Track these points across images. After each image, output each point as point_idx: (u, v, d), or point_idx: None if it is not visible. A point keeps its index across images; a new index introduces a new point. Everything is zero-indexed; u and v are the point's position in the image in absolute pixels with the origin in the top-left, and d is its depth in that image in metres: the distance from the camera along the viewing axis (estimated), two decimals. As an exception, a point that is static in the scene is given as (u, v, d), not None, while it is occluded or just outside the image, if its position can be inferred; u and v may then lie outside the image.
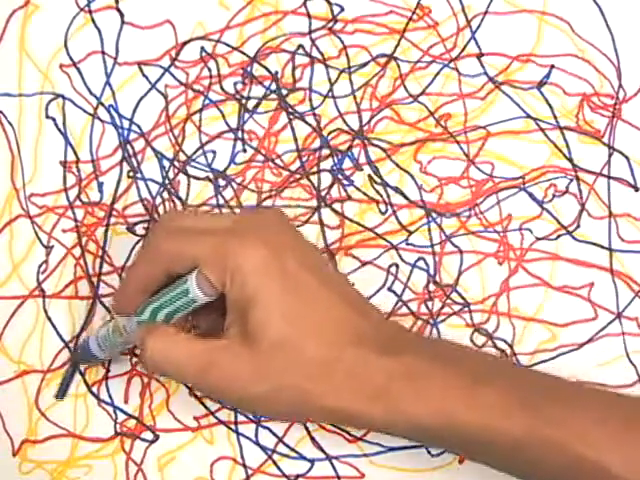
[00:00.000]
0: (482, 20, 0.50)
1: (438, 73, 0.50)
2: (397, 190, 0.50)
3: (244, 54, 0.50)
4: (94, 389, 0.50)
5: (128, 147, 0.50)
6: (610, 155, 0.50)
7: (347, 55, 0.50)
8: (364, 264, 0.50)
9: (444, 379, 0.42)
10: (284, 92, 0.50)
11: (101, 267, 0.50)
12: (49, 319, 0.50)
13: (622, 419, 0.42)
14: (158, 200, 0.50)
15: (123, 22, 0.50)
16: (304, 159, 0.50)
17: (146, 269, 0.45)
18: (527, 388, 0.43)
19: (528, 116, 0.50)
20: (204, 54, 0.50)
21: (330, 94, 0.50)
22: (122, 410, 0.50)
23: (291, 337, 0.42)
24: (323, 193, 0.50)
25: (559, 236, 0.50)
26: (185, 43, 0.50)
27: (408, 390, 0.42)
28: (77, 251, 0.50)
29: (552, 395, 0.43)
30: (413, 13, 0.50)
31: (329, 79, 0.50)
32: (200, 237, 0.43)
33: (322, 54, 0.50)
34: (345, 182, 0.50)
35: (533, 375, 0.46)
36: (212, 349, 0.43)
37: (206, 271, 0.42)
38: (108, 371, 0.50)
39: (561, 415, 0.42)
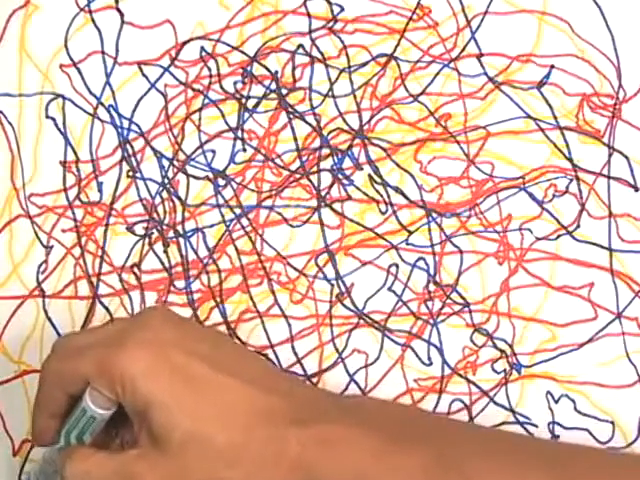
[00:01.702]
0: (482, 20, 0.50)
1: (438, 73, 0.50)
2: (397, 190, 0.50)
3: (244, 54, 0.50)
4: (94, 389, 0.50)
5: (127, 147, 0.50)
6: (610, 155, 0.50)
7: (347, 55, 0.50)
8: (364, 264, 0.50)
9: (359, 442, 0.41)
10: (284, 91, 0.50)
11: (101, 267, 0.50)
12: (49, 319, 0.50)
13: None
14: (157, 200, 0.50)
15: (123, 22, 0.50)
16: (304, 159, 0.50)
17: (46, 395, 0.44)
18: (447, 445, 0.42)
19: (528, 116, 0.50)
20: (204, 54, 0.50)
21: (330, 94, 0.50)
22: (122, 410, 0.50)
23: (196, 431, 0.41)
24: (323, 193, 0.50)
25: (559, 236, 0.50)
26: (185, 43, 0.50)
27: (324, 456, 0.41)
28: (77, 251, 0.50)
29: (472, 450, 0.43)
30: (413, 13, 0.50)
31: (329, 79, 0.50)
32: (84, 353, 0.42)
33: (322, 54, 0.50)
34: (345, 182, 0.50)
35: (455, 430, 0.45)
36: (129, 461, 0.42)
37: (97, 386, 0.42)
38: (108, 371, 0.50)
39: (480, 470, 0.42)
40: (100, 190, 0.50)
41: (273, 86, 0.50)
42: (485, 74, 0.50)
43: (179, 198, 0.50)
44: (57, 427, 0.44)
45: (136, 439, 0.42)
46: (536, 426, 0.50)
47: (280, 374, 0.46)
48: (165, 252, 0.50)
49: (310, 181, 0.50)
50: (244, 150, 0.50)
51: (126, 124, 0.50)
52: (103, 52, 0.50)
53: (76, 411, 0.43)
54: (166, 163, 0.50)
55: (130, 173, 0.50)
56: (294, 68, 0.50)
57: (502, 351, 0.50)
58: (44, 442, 0.44)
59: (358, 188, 0.50)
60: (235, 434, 0.41)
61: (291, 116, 0.50)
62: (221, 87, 0.50)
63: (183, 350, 0.42)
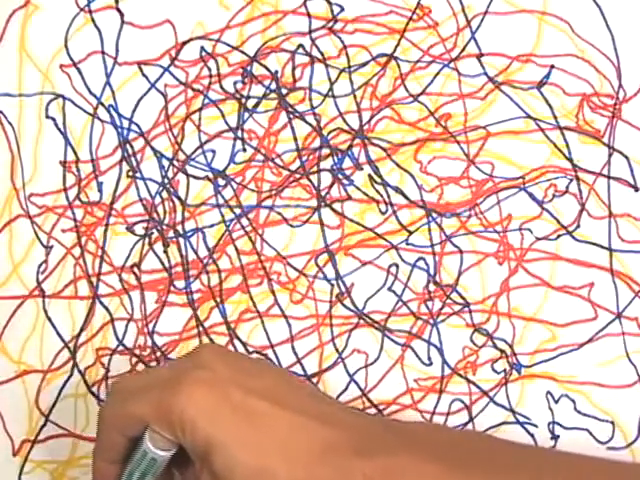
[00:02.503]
0: (482, 20, 0.50)
1: (438, 73, 0.50)
2: (397, 190, 0.50)
3: (244, 53, 0.50)
4: (94, 389, 0.50)
5: (127, 147, 0.50)
6: (610, 155, 0.50)
7: (347, 55, 0.50)
8: (364, 264, 0.50)
9: (424, 473, 0.41)
10: (284, 91, 0.50)
11: (100, 267, 0.50)
12: (49, 319, 0.50)
13: None
14: (157, 200, 0.50)
15: (123, 22, 0.50)
16: (304, 159, 0.50)
17: (105, 440, 0.43)
18: (512, 470, 0.42)
19: (528, 116, 0.50)
20: (204, 54, 0.50)
21: (330, 93, 0.50)
22: (122, 410, 0.50)
23: (258, 468, 0.40)
24: (323, 193, 0.50)
25: (559, 236, 0.50)
26: (185, 43, 0.50)
27: None
28: (77, 251, 0.50)
29: (538, 476, 0.42)
30: (413, 13, 0.50)
31: (329, 78, 0.50)
32: (142, 396, 0.42)
33: (322, 54, 0.50)
34: (345, 182, 0.50)
35: (517, 454, 0.44)
36: None
37: (156, 428, 0.41)
38: (108, 371, 0.50)
39: None
40: (100, 190, 0.50)
41: (273, 86, 0.50)
42: (485, 74, 0.50)
43: (179, 198, 0.50)
44: (118, 471, 0.43)
45: (198, 478, 0.42)
46: (536, 426, 0.50)
47: (334, 403, 0.45)
48: (165, 252, 0.50)
49: (310, 181, 0.50)
50: (244, 150, 0.50)
51: (126, 124, 0.50)
52: (103, 52, 0.50)
53: (137, 454, 0.42)
54: (166, 163, 0.50)
55: (130, 173, 0.50)
56: (294, 68, 0.50)
57: (502, 351, 0.50)
58: None
59: (358, 188, 0.50)
60: (298, 469, 0.41)
61: (291, 116, 0.50)
62: (221, 87, 0.50)
63: (240, 387, 0.41)
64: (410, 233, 0.50)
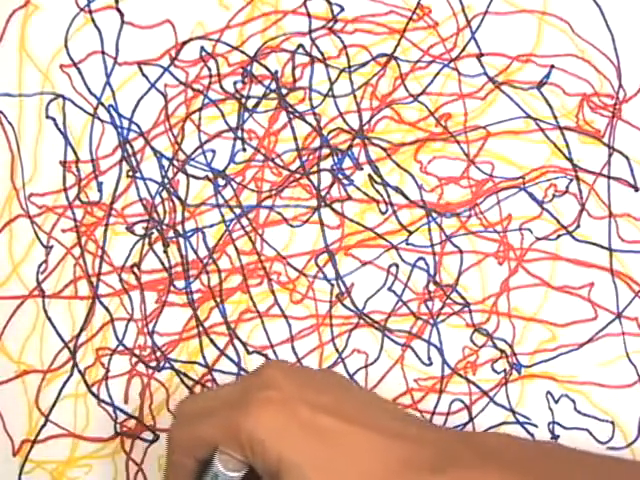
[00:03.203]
0: (482, 20, 0.50)
1: (438, 73, 0.50)
2: (397, 190, 0.50)
3: (244, 53, 0.50)
4: (94, 389, 0.50)
5: (127, 147, 0.50)
6: (610, 155, 0.50)
7: (347, 55, 0.50)
8: (364, 264, 0.50)
9: None
10: (284, 91, 0.50)
11: (100, 267, 0.50)
12: (49, 319, 0.50)
13: None
14: (157, 200, 0.50)
15: (123, 22, 0.50)
16: (304, 158, 0.50)
17: (176, 463, 0.43)
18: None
19: (528, 116, 0.50)
20: (204, 53, 0.50)
21: (330, 93, 0.50)
22: (122, 410, 0.50)
23: None
24: (323, 193, 0.50)
25: (559, 236, 0.50)
26: (185, 43, 0.50)
27: None
28: (76, 251, 0.50)
29: None
30: (413, 13, 0.50)
31: (329, 78, 0.50)
32: (209, 418, 0.42)
33: (322, 53, 0.50)
34: (345, 182, 0.50)
35: (598, 465, 0.44)
36: None
37: (226, 449, 0.41)
38: (108, 371, 0.50)
39: None
40: (100, 190, 0.50)
41: (273, 86, 0.50)
42: (485, 74, 0.50)
43: (179, 198, 0.50)
44: None
45: None
46: (536, 426, 0.50)
47: (405, 415, 0.44)
48: (165, 252, 0.50)
49: (310, 181, 0.50)
50: (244, 150, 0.50)
51: (126, 124, 0.50)
52: (103, 52, 0.50)
53: (207, 476, 0.42)
54: (166, 163, 0.50)
55: (130, 173, 0.50)
56: (294, 68, 0.50)
57: (502, 351, 0.50)
58: None
59: (358, 188, 0.50)
60: None
61: (291, 116, 0.50)
62: (221, 87, 0.50)
63: (308, 404, 0.41)
64: (410, 233, 0.50)
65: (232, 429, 0.40)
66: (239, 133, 0.50)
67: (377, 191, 0.50)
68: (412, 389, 0.50)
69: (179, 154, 0.50)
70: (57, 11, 0.50)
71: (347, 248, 0.50)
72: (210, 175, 0.50)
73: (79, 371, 0.50)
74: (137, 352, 0.50)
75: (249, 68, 0.50)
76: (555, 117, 0.50)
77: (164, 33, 0.50)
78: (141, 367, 0.50)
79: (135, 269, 0.50)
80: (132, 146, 0.50)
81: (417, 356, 0.50)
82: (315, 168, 0.50)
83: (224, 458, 0.41)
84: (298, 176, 0.50)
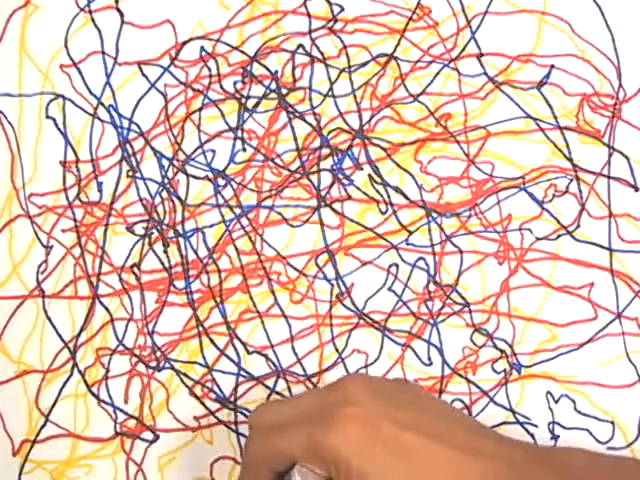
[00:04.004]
0: (482, 20, 0.50)
1: (438, 73, 0.50)
2: (397, 190, 0.50)
3: (244, 53, 0.50)
4: (94, 389, 0.50)
5: (127, 147, 0.50)
6: (610, 155, 0.50)
7: (347, 54, 0.50)
8: (364, 264, 0.50)
9: None
10: (284, 91, 0.50)
11: (100, 267, 0.50)
12: (49, 319, 0.50)
13: None
14: (157, 200, 0.50)
15: (123, 22, 0.50)
16: (304, 158, 0.50)
17: (252, 476, 0.43)
18: None
19: (528, 116, 0.50)
20: (204, 54, 0.50)
21: (330, 93, 0.50)
22: (122, 410, 0.50)
23: None
24: (323, 193, 0.50)
25: (559, 236, 0.50)
26: (185, 43, 0.50)
27: None
28: (76, 251, 0.50)
29: None
30: (413, 13, 0.50)
31: (329, 78, 0.50)
32: (290, 432, 0.42)
33: (322, 53, 0.50)
34: (345, 182, 0.50)
35: None
36: None
37: (308, 464, 0.41)
38: (108, 371, 0.50)
39: None
40: (100, 190, 0.50)
41: (273, 86, 0.50)
42: (485, 74, 0.50)
43: (179, 198, 0.50)
44: None
45: None
46: (536, 426, 0.50)
47: (483, 430, 0.44)
48: (165, 252, 0.50)
49: (310, 181, 0.50)
50: (244, 150, 0.50)
51: (126, 124, 0.50)
52: (103, 52, 0.50)
53: None
54: (166, 163, 0.50)
55: (130, 173, 0.50)
56: (294, 68, 0.50)
57: (502, 351, 0.50)
58: None
59: (358, 188, 0.50)
60: None
61: (291, 116, 0.50)
62: (221, 87, 0.50)
63: (391, 421, 0.41)
64: (410, 233, 0.50)
65: (315, 445, 0.40)
66: (239, 133, 0.50)
67: (377, 191, 0.50)
68: (412, 389, 0.50)
69: (179, 154, 0.50)
70: (57, 11, 0.50)
71: (347, 248, 0.50)
72: (210, 175, 0.50)
73: (79, 371, 0.50)
74: (137, 352, 0.50)
75: (249, 68, 0.50)
76: (555, 117, 0.50)
77: (164, 33, 0.50)
78: (141, 367, 0.50)
79: (135, 269, 0.50)
80: (132, 146, 0.50)
81: (417, 356, 0.50)
82: (315, 168, 0.50)
83: (304, 472, 0.42)
84: (298, 176, 0.50)
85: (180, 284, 0.50)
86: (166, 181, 0.50)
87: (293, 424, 0.42)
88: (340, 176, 0.50)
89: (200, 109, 0.50)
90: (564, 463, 0.43)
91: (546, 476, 0.41)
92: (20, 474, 0.50)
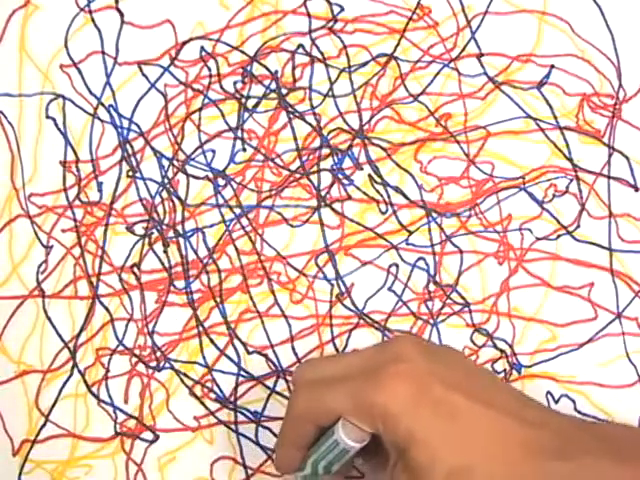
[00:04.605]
0: (482, 20, 0.50)
1: (438, 73, 0.50)
2: (397, 190, 0.50)
3: (244, 53, 0.50)
4: (94, 389, 0.50)
5: (127, 147, 0.50)
6: (610, 155, 0.50)
7: (347, 54, 0.50)
8: (364, 264, 0.50)
9: (617, 476, 0.40)
10: (284, 91, 0.50)
11: (100, 267, 0.50)
12: (49, 319, 0.50)
13: None
14: (157, 200, 0.50)
15: (123, 22, 0.50)
16: (304, 158, 0.50)
17: (295, 428, 0.43)
18: None
19: (528, 116, 0.50)
20: (204, 53, 0.50)
21: (330, 93, 0.50)
22: (122, 410, 0.50)
23: (459, 465, 0.40)
24: (323, 193, 0.50)
25: (559, 236, 0.50)
26: (185, 43, 0.50)
27: None
28: (76, 251, 0.50)
29: None
30: (413, 13, 0.50)
31: (329, 78, 0.50)
32: (337, 387, 0.42)
33: (322, 53, 0.50)
34: (345, 182, 0.50)
35: None
36: None
37: (353, 421, 0.41)
38: (108, 371, 0.50)
39: None
40: (100, 190, 0.50)
41: (273, 86, 0.50)
42: (485, 74, 0.50)
43: (179, 198, 0.50)
44: (303, 456, 0.44)
45: (391, 468, 0.41)
46: (536, 426, 0.50)
47: (529, 400, 0.44)
48: (165, 252, 0.50)
49: (310, 181, 0.50)
50: (244, 150, 0.50)
51: (126, 124, 0.50)
52: (103, 52, 0.50)
53: (326, 442, 0.42)
54: (166, 163, 0.50)
55: (130, 173, 0.50)
56: (294, 68, 0.50)
57: (502, 351, 0.50)
58: (289, 471, 0.44)
59: (358, 188, 0.50)
60: (497, 467, 0.40)
61: (291, 116, 0.50)
62: (221, 87, 0.50)
63: (440, 382, 0.41)
64: (410, 233, 0.50)
65: (364, 401, 0.41)
66: (239, 133, 0.50)
67: (377, 191, 0.50)
68: (412, 389, 0.50)
69: (179, 154, 0.50)
70: (57, 11, 0.50)
71: (347, 248, 0.50)
72: (210, 175, 0.50)
73: (79, 371, 0.50)
74: (137, 352, 0.50)
75: (249, 68, 0.50)
76: (555, 117, 0.50)
77: (164, 33, 0.50)
78: (141, 367, 0.50)
79: (135, 269, 0.50)
80: (132, 146, 0.50)
81: (417, 356, 0.50)
82: (315, 168, 0.50)
83: (348, 428, 0.41)
84: (298, 176, 0.50)
85: (180, 284, 0.50)
86: (166, 181, 0.50)
87: (340, 380, 0.42)
88: (340, 176, 0.50)
89: (200, 109, 0.50)
90: (610, 435, 0.43)
91: (590, 446, 0.41)
92: (20, 474, 0.50)
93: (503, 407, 0.41)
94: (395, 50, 0.50)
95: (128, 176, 0.50)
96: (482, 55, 0.50)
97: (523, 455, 0.40)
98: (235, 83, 0.50)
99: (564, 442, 0.41)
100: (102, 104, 0.50)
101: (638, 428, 0.45)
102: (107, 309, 0.50)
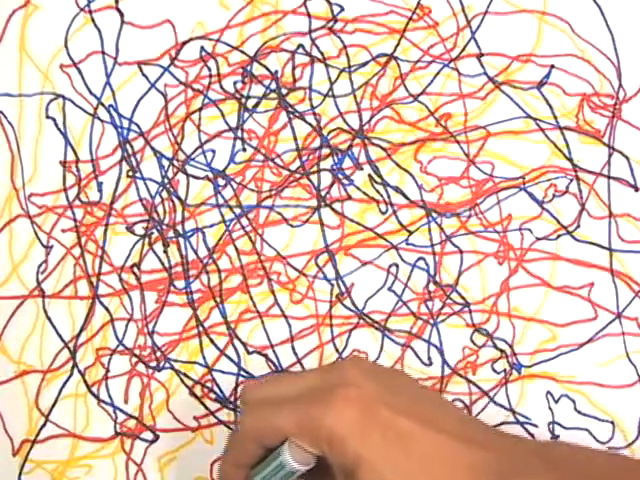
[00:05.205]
0: (482, 20, 0.50)
1: (438, 73, 0.50)
2: (397, 190, 0.50)
3: (244, 53, 0.50)
4: (94, 389, 0.50)
5: (127, 147, 0.50)
6: (610, 155, 0.50)
7: (347, 54, 0.50)
8: (364, 264, 0.50)
9: None
10: (284, 91, 0.50)
11: (100, 267, 0.50)
12: (49, 319, 0.50)
13: None
14: (157, 200, 0.50)
15: (123, 22, 0.50)
16: (304, 158, 0.50)
17: (240, 448, 0.43)
18: None
19: (528, 116, 0.50)
20: (204, 54, 0.50)
21: (330, 93, 0.50)
22: (122, 410, 0.50)
23: None
24: (323, 193, 0.50)
25: (559, 236, 0.50)
26: (185, 43, 0.50)
27: None
28: (76, 251, 0.50)
29: None
30: (413, 13, 0.50)
31: (329, 78, 0.50)
32: (284, 408, 0.42)
33: (322, 53, 0.50)
34: (345, 182, 0.50)
35: None
36: None
37: (299, 442, 0.41)
38: (108, 371, 0.50)
39: None
40: (100, 190, 0.50)
41: (273, 86, 0.50)
42: (485, 74, 0.50)
43: (179, 198, 0.50)
44: (245, 475, 0.43)
45: None
46: (536, 426, 0.50)
47: (476, 422, 0.44)
48: (165, 252, 0.50)
49: (310, 181, 0.50)
50: (244, 150, 0.50)
51: (126, 124, 0.50)
52: (103, 52, 0.50)
53: (272, 463, 0.42)
54: (166, 163, 0.50)
55: (130, 173, 0.50)
56: (294, 68, 0.50)
57: (502, 351, 0.50)
58: None
59: (358, 188, 0.50)
60: None
61: (291, 116, 0.50)
62: (221, 87, 0.50)
63: (388, 405, 0.41)
64: (410, 233, 0.50)
65: (311, 423, 0.41)
66: (239, 133, 0.50)
67: (377, 191, 0.50)
68: (412, 389, 0.50)
69: (179, 154, 0.50)
70: (57, 11, 0.50)
71: (347, 248, 0.50)
72: (210, 175, 0.50)
73: (79, 371, 0.50)
74: (137, 352, 0.50)
75: (249, 68, 0.50)
76: (555, 117, 0.50)
77: (164, 33, 0.50)
78: (141, 367, 0.50)
79: (135, 269, 0.50)
80: (132, 146, 0.50)
81: (417, 356, 0.50)
82: (315, 168, 0.50)
83: (294, 450, 0.41)
84: (298, 176, 0.50)
85: (180, 284, 0.50)
86: (166, 181, 0.50)
87: (289, 401, 0.42)
88: (340, 176, 0.50)
89: (200, 109, 0.50)
90: (555, 455, 0.43)
91: (537, 468, 0.41)
92: (20, 474, 0.50)
93: (450, 430, 0.42)
94: (395, 50, 0.50)
95: (128, 176, 0.50)
96: (482, 55, 0.50)
97: (469, 478, 0.40)
98: (235, 83, 0.50)
99: (510, 464, 0.41)
100: (102, 104, 0.50)
101: (591, 450, 0.45)
102: (107, 309, 0.50)
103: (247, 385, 0.44)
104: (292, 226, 0.50)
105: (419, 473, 0.40)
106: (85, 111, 0.50)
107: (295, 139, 0.50)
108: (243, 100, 0.50)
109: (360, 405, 0.41)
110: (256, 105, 0.50)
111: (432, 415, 0.42)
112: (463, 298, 0.50)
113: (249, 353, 0.50)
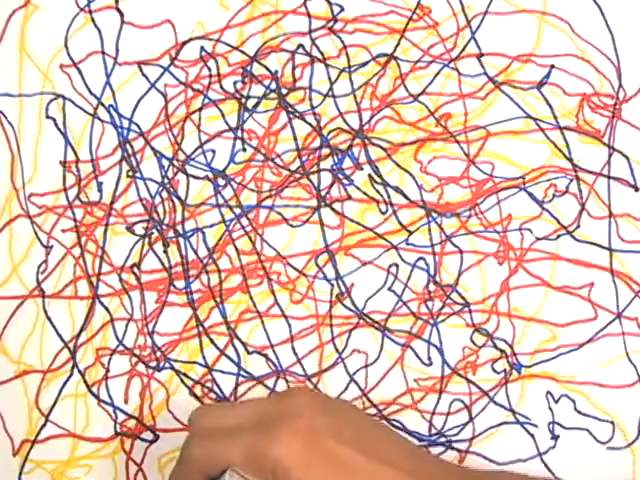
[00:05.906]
0: (482, 20, 0.50)
1: (438, 73, 0.50)
2: (397, 190, 0.50)
3: (244, 53, 0.50)
4: (94, 389, 0.50)
5: (127, 147, 0.50)
6: (610, 155, 0.50)
7: (347, 54, 0.50)
8: (364, 264, 0.50)
9: None
10: (284, 91, 0.50)
11: (100, 267, 0.50)
12: (49, 319, 0.50)
13: None
14: (157, 200, 0.50)
15: (123, 22, 0.50)
16: (304, 158, 0.50)
17: (182, 476, 0.43)
18: None
19: (528, 116, 0.50)
20: (204, 53, 0.50)
21: (330, 93, 0.50)
22: (122, 410, 0.50)
23: None
24: (323, 193, 0.50)
25: (559, 236, 0.50)
26: (185, 43, 0.50)
27: None
28: (76, 251, 0.50)
29: None
30: (413, 13, 0.50)
31: (329, 78, 0.50)
32: (230, 438, 0.42)
33: (322, 53, 0.50)
34: (345, 182, 0.50)
35: None
36: None
37: (243, 472, 0.41)
38: (108, 371, 0.50)
39: None
40: (100, 190, 0.50)
41: (273, 86, 0.50)
42: (485, 74, 0.50)
43: (179, 198, 0.50)
44: None
45: None
46: (536, 426, 0.50)
47: (422, 454, 0.45)
48: (165, 252, 0.50)
49: (310, 181, 0.50)
50: (244, 150, 0.50)
51: (126, 124, 0.50)
52: (103, 52, 0.50)
53: None
54: (166, 163, 0.50)
55: (130, 173, 0.50)
56: (294, 68, 0.50)
57: (502, 351, 0.50)
58: None
59: (358, 188, 0.50)
60: None
61: (291, 116, 0.50)
62: (221, 87, 0.50)
63: (334, 437, 0.41)
64: (410, 233, 0.50)
65: (256, 453, 0.41)
66: (239, 133, 0.50)
67: (377, 191, 0.50)
68: (412, 389, 0.50)
69: (179, 154, 0.50)
70: (57, 11, 0.50)
71: (347, 248, 0.50)
72: (210, 175, 0.50)
73: (79, 371, 0.50)
74: (137, 352, 0.50)
75: (249, 68, 0.50)
76: (555, 117, 0.50)
77: (164, 33, 0.50)
78: (141, 367, 0.50)
79: (135, 269, 0.50)
80: (132, 146, 0.50)
81: (417, 356, 0.50)
82: (315, 168, 0.50)
83: (235, 479, 0.41)
84: (298, 176, 0.50)
85: (180, 284, 0.50)
86: (166, 181, 0.50)
87: (234, 430, 0.42)
88: (340, 176, 0.50)
89: (200, 109, 0.50)
90: None
91: None
92: (20, 474, 0.50)
93: (393, 462, 0.42)
94: (395, 50, 0.50)
95: (128, 176, 0.50)
96: (482, 55, 0.50)
97: None
98: (235, 83, 0.50)
99: None
100: (102, 104, 0.50)
101: (525, 477, 0.45)
102: (107, 309, 0.50)
103: (196, 411, 0.45)
104: (292, 226, 0.50)
105: None
106: (85, 111, 0.50)
107: (295, 139, 0.50)
108: (243, 100, 0.50)
109: (306, 437, 0.41)
110: (256, 105, 0.50)
111: (377, 447, 0.43)
112: (463, 298, 0.50)
113: (249, 353, 0.50)
